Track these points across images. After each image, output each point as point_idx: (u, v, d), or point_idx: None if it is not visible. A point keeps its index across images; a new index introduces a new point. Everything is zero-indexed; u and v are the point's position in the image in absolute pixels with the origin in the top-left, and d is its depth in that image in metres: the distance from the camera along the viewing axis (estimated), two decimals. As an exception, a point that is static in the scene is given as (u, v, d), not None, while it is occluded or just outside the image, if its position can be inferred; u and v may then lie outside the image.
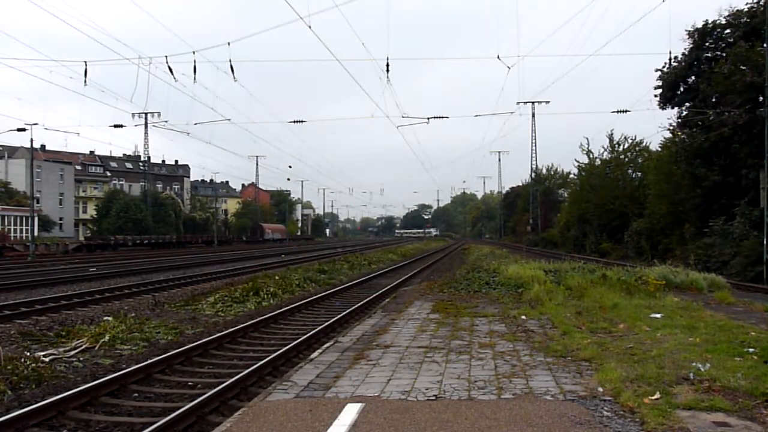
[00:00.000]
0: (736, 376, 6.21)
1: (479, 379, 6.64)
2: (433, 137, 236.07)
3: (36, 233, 49.29)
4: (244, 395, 7.43)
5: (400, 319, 11.42)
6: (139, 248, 58.49)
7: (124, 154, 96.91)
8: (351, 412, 5.43)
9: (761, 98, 24.83)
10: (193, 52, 22.49)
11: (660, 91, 35.40)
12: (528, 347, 8.45)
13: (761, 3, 28.75)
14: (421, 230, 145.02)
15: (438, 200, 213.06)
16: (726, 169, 28.93)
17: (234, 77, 23.26)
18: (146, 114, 60.24)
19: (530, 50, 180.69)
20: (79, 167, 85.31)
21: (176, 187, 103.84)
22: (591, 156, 50.98)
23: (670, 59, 33.38)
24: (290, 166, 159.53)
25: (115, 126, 38.79)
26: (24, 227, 59.67)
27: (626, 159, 47.58)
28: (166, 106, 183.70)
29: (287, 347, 9.76)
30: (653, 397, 5.65)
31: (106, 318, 13.14)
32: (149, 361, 8.73)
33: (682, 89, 34.48)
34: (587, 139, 57.62)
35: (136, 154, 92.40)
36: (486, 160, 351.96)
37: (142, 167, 79.65)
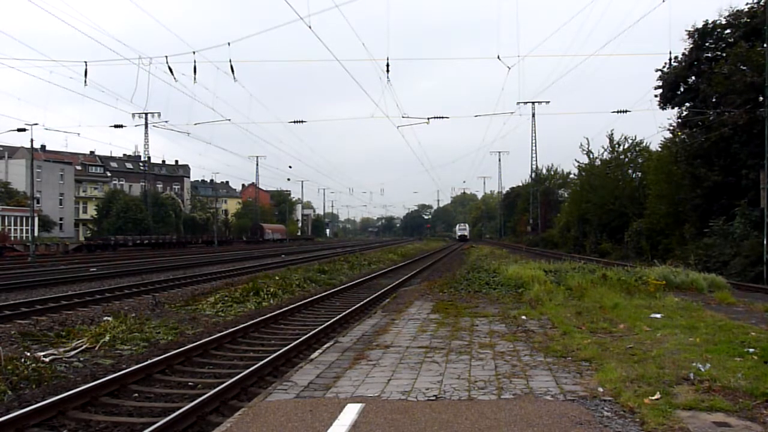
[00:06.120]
0: (736, 376, 6.21)
1: (479, 380, 6.64)
2: (433, 137, 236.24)
3: (36, 233, 49.29)
4: (245, 395, 7.43)
5: (401, 319, 11.42)
6: (139, 248, 58.48)
7: (124, 155, 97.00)
8: (351, 412, 5.43)
9: (761, 98, 24.82)
10: (193, 53, 22.52)
11: (660, 91, 35.39)
12: (528, 347, 8.45)
13: (761, 3, 28.74)
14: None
15: (438, 200, 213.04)
16: (726, 169, 28.92)
17: (234, 77, 23.33)
18: (146, 114, 60.41)
19: (530, 50, 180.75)
20: (79, 167, 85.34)
21: (176, 187, 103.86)
22: (591, 156, 51.05)
23: (670, 59, 33.42)
24: (290, 166, 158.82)
25: (116, 126, 38.96)
26: (24, 227, 59.68)
27: (626, 159, 47.58)
28: (166, 107, 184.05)
29: (287, 347, 9.76)
30: (653, 397, 5.65)
31: (106, 318, 13.14)
32: (149, 362, 8.72)
33: (682, 89, 34.46)
34: (587, 139, 57.76)
35: (136, 154, 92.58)
36: (486, 160, 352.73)
37: (142, 167, 79.67)
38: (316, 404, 5.77)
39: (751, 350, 7.57)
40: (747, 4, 30.42)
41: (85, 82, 24.64)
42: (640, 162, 45.96)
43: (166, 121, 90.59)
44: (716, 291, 15.64)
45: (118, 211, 68.66)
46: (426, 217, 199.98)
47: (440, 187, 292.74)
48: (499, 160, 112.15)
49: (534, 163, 68.45)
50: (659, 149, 38.90)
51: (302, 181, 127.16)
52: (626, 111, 34.63)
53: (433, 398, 5.93)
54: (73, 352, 10.00)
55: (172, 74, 23.00)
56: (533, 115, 63.20)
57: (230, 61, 25.46)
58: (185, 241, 70.54)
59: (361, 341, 9.25)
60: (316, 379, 6.82)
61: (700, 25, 32.42)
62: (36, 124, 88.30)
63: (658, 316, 10.87)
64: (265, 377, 8.31)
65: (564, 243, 56.04)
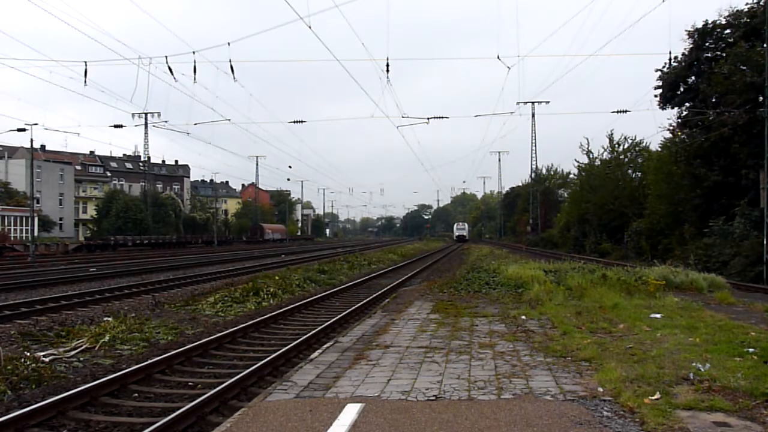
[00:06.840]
0: (736, 376, 6.21)
1: (479, 379, 6.64)
2: (433, 137, 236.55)
3: (36, 233, 49.32)
4: (244, 395, 7.43)
5: (400, 319, 11.42)
6: (139, 248, 58.44)
7: (124, 155, 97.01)
8: (351, 412, 5.43)
9: (761, 98, 24.82)
10: (193, 53, 22.54)
11: (660, 91, 35.39)
12: (528, 347, 8.46)
13: (761, 3, 28.74)
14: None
15: (438, 200, 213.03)
16: (726, 169, 28.91)
17: (234, 77, 23.35)
18: (146, 114, 60.38)
19: (530, 50, 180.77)
20: (79, 167, 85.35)
21: (176, 187, 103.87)
22: (591, 156, 51.04)
23: (670, 59, 33.41)
24: (290, 166, 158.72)
25: (115, 126, 39.02)
26: (24, 227, 59.69)
27: (626, 159, 47.58)
28: (166, 107, 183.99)
29: (287, 347, 9.76)
30: (653, 397, 5.66)
31: (106, 318, 13.14)
32: (149, 362, 8.72)
33: (682, 89, 34.46)
34: (587, 139, 57.72)
35: (136, 154, 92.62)
36: (486, 161, 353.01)
37: (142, 167, 79.65)
38: (316, 404, 5.77)
39: (751, 350, 7.57)
40: (747, 4, 30.44)
41: (85, 82, 24.75)
42: (639, 162, 45.96)
43: (166, 121, 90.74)
44: (716, 291, 15.64)
45: (118, 211, 68.64)
46: (426, 217, 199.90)
47: (440, 187, 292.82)
48: (499, 160, 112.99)
49: (534, 163, 68.54)
50: (659, 149, 38.90)
51: (302, 181, 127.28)
52: (626, 111, 34.64)
53: (433, 398, 5.93)
54: (73, 352, 10.00)
55: (172, 74, 23.04)
56: (533, 115, 63.25)
57: (230, 61, 25.49)
58: (185, 241, 70.47)
59: (361, 341, 9.25)
60: (316, 379, 6.82)
61: (700, 25, 32.45)
62: (36, 124, 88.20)
63: (658, 316, 10.88)
64: (265, 377, 8.31)
65: (564, 243, 56.04)
